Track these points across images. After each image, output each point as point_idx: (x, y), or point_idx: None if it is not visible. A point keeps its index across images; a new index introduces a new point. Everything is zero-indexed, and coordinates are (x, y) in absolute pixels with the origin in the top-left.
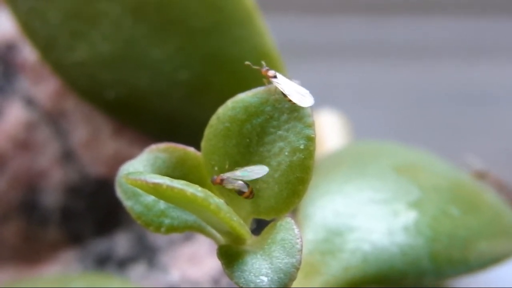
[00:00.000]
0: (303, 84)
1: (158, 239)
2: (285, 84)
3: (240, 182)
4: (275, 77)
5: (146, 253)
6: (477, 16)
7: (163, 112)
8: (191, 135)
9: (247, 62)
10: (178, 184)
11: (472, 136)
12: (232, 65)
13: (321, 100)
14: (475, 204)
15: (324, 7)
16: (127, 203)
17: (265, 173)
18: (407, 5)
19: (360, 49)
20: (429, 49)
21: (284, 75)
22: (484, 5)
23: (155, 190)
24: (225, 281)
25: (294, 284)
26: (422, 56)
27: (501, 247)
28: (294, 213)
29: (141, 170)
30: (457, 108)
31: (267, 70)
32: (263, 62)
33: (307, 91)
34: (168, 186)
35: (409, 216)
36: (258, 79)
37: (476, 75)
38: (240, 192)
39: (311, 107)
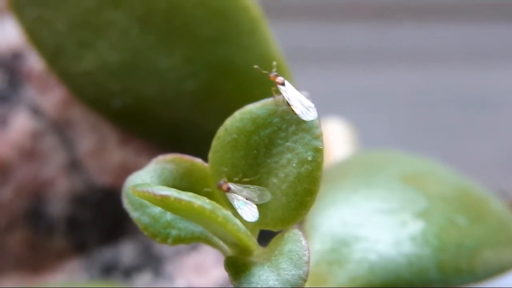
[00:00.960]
0: (309, 92)
1: (164, 248)
2: (291, 94)
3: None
4: (283, 84)
5: (152, 262)
6: (479, 22)
7: (170, 121)
8: (198, 144)
9: (255, 66)
10: (186, 196)
11: (477, 140)
12: (239, 74)
13: (327, 107)
14: (481, 213)
15: (329, 14)
16: (134, 214)
17: (267, 200)
18: (412, 11)
19: (364, 55)
20: (433, 54)
21: (291, 84)
22: (486, 11)
23: (163, 202)
24: None
25: None
26: (427, 61)
27: (508, 256)
28: (301, 223)
29: (148, 182)
30: (462, 113)
31: (276, 76)
32: (274, 67)
33: (312, 105)
34: (175, 198)
35: (416, 226)
36: (265, 88)
37: (481, 80)
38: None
39: (318, 118)
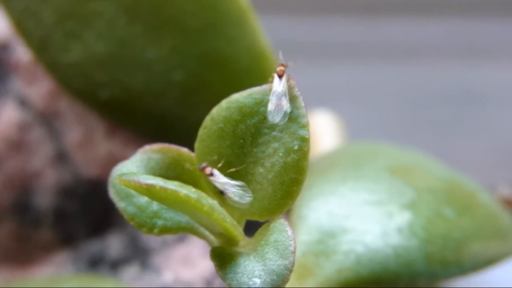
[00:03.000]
0: (298, 84)
1: (151, 240)
2: (282, 88)
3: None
4: (281, 76)
5: (139, 255)
6: (471, 18)
7: (157, 112)
8: (185, 135)
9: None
10: (172, 185)
11: (468, 136)
12: (227, 65)
13: (316, 100)
14: (469, 206)
15: (318, 7)
16: (120, 204)
17: (247, 201)
18: (403, 6)
19: (354, 49)
20: (424, 50)
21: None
22: (478, 7)
23: (148, 191)
24: (218, 282)
25: (287, 285)
26: (416, 56)
27: (495, 248)
28: (288, 214)
29: (134, 171)
30: (453, 109)
31: (282, 64)
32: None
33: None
34: (161, 187)
35: (403, 218)
36: (253, 79)
37: (470, 76)
38: (221, 192)
39: (305, 107)
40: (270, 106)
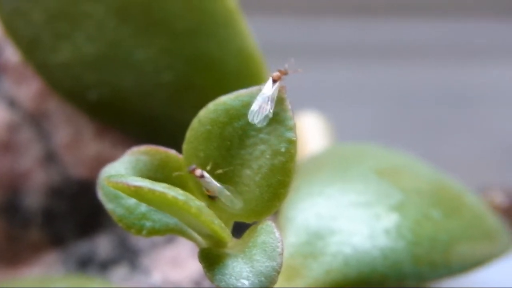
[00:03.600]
0: (286, 85)
1: (140, 241)
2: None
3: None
4: (276, 80)
5: (128, 256)
6: (462, 18)
7: (146, 114)
8: (174, 137)
9: None
10: (159, 187)
11: (456, 136)
12: (216, 66)
13: (304, 101)
14: (456, 207)
15: (308, 8)
16: (109, 205)
17: (239, 207)
18: (392, 6)
19: (344, 50)
20: (413, 50)
21: (267, 75)
22: (470, 7)
23: (136, 193)
24: (207, 283)
25: (275, 286)
26: (406, 57)
27: (482, 250)
28: (275, 216)
29: (123, 173)
30: (441, 109)
31: (281, 70)
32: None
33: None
34: (149, 189)
35: (390, 220)
36: (241, 81)
37: (461, 76)
38: (211, 196)
39: (292, 110)
40: (254, 106)
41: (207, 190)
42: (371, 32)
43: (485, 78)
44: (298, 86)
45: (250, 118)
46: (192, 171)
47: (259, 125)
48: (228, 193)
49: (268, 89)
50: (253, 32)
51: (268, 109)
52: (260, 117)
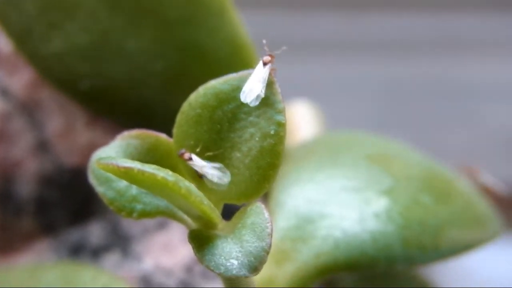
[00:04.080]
0: (279, 79)
1: (132, 228)
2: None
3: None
4: (266, 63)
5: (120, 242)
6: (452, 11)
7: (138, 102)
8: (166, 125)
9: None
10: (149, 168)
11: (448, 130)
12: (207, 55)
13: (297, 92)
14: (447, 193)
15: (299, 1)
16: (100, 188)
17: (224, 184)
18: (384, 0)
19: (337, 43)
20: (406, 43)
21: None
22: (462, 1)
23: (127, 174)
24: (198, 269)
25: (265, 270)
26: (400, 50)
27: (472, 235)
28: (266, 201)
29: (113, 156)
30: (434, 102)
31: (269, 54)
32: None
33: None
34: (139, 170)
35: (380, 204)
36: (233, 69)
37: (455, 70)
38: (200, 176)
39: (281, 94)
40: (245, 87)
41: (196, 172)
42: (364, 25)
43: (477, 71)
44: (290, 77)
45: (242, 98)
46: (181, 155)
47: (251, 105)
48: (214, 171)
49: (259, 71)
50: (249, 25)
51: (260, 89)
52: (252, 96)
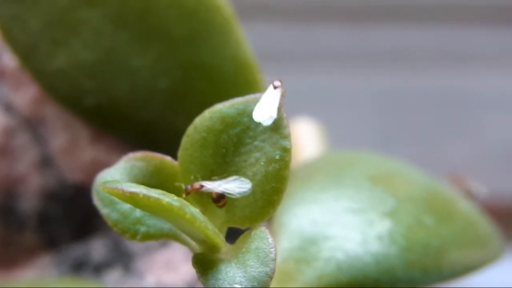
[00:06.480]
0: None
1: (134, 245)
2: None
3: (221, 186)
4: (276, 87)
5: (122, 259)
6: (453, 24)
7: (142, 120)
8: (170, 143)
9: None
10: (155, 193)
11: (450, 142)
12: (211, 73)
13: (298, 107)
14: (449, 214)
15: (302, 14)
16: (104, 210)
17: (247, 190)
18: (385, 12)
19: (337, 56)
20: (408, 56)
21: (263, 83)
22: (460, 13)
23: (132, 198)
24: (200, 287)
25: None
26: (401, 63)
27: (474, 256)
28: (269, 221)
29: (118, 179)
30: (436, 115)
31: (276, 79)
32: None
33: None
34: (144, 195)
35: (383, 226)
36: (238, 88)
37: (453, 82)
38: (216, 200)
39: (287, 118)
40: (258, 108)
41: (214, 195)
42: (366, 38)
43: (476, 83)
44: (292, 92)
45: (255, 118)
46: (191, 190)
47: (264, 124)
48: (232, 184)
49: (270, 94)
50: (250, 39)
51: (273, 110)
52: (266, 116)
